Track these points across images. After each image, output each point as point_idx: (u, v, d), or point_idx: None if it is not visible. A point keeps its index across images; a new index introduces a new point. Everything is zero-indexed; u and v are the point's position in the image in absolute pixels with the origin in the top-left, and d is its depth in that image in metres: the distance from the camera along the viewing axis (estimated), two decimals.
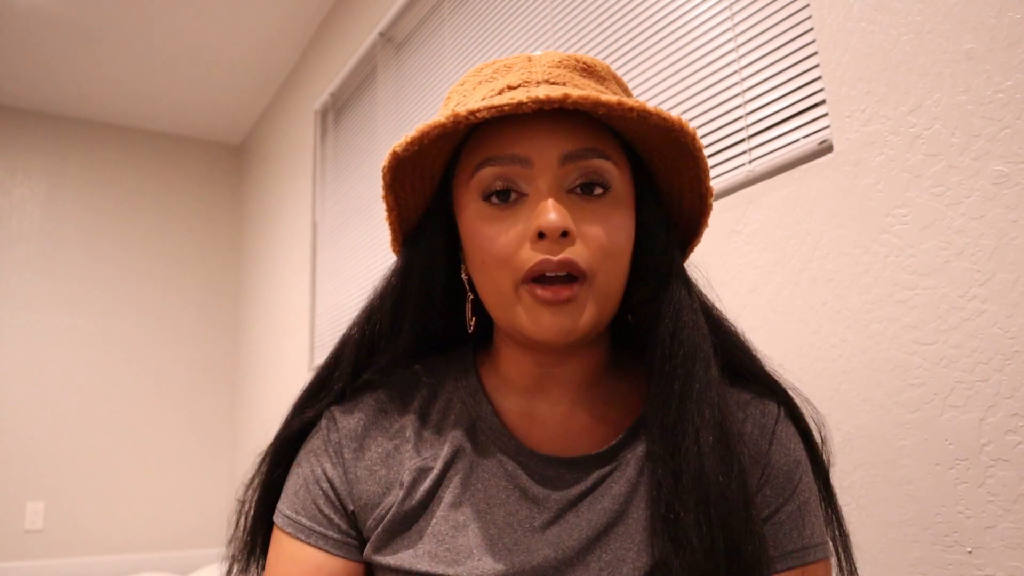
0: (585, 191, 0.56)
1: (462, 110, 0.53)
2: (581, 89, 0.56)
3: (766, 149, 1.20)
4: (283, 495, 0.64)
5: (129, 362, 3.70)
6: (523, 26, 1.88)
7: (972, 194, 0.89)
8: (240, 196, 4.19)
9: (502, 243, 0.56)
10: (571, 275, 0.55)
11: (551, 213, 0.53)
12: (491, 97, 0.56)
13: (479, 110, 0.52)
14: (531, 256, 0.54)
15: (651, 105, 0.55)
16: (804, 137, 1.14)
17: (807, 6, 1.15)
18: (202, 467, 3.73)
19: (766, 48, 1.22)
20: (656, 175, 0.63)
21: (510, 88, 0.57)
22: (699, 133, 1.33)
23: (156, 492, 3.58)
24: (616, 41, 1.55)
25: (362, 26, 2.76)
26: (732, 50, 1.28)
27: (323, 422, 0.65)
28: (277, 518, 0.63)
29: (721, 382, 0.57)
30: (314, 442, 0.64)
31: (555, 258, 0.54)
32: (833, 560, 0.63)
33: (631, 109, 0.53)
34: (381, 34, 2.62)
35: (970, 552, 0.85)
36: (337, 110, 3.07)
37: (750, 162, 1.23)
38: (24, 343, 3.50)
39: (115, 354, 3.68)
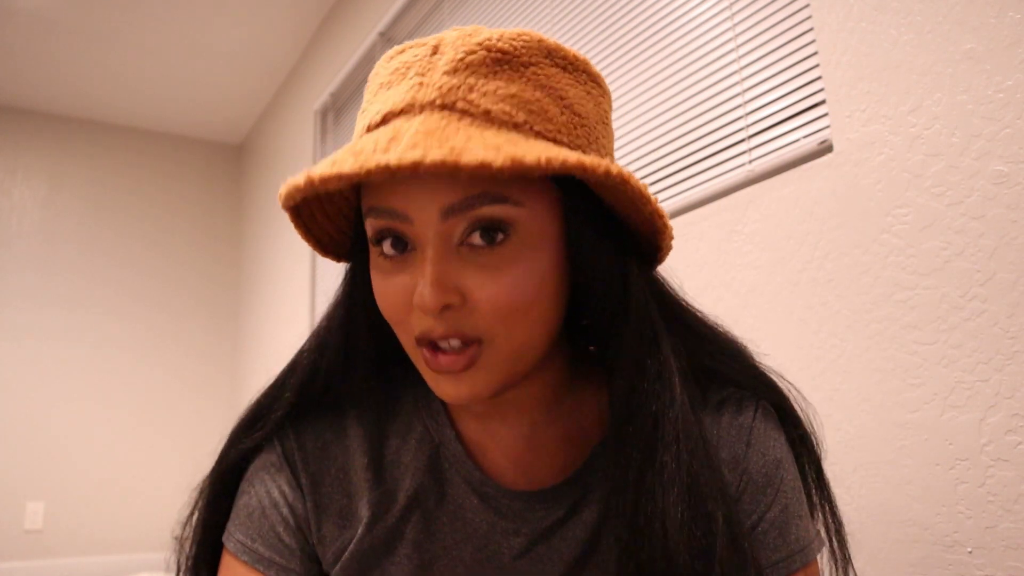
0: (484, 237, 0.48)
1: (317, 173, 0.45)
2: (475, 107, 0.48)
3: (766, 149, 1.21)
4: (235, 515, 0.58)
5: (129, 362, 3.70)
6: (523, 26, 1.88)
7: (972, 194, 0.89)
8: (240, 196, 4.19)
9: (392, 303, 0.51)
10: (464, 341, 0.49)
11: (427, 289, 0.47)
12: (373, 128, 0.50)
13: (329, 179, 0.44)
14: (418, 322, 0.49)
15: (550, 157, 0.44)
16: (804, 137, 1.14)
17: (807, 6, 1.15)
18: (202, 467, 3.72)
19: (766, 48, 1.22)
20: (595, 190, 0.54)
21: (393, 115, 0.49)
22: (699, 133, 1.33)
23: (156, 492, 3.58)
24: (616, 41, 1.55)
25: (362, 26, 2.76)
26: (732, 50, 1.28)
27: (276, 440, 0.60)
28: (228, 542, 0.57)
29: (698, 423, 0.52)
30: (269, 459, 0.59)
31: (437, 331, 0.48)
32: (826, 550, 0.61)
33: (500, 169, 0.42)
34: (381, 34, 2.62)
35: (970, 552, 0.85)
36: (337, 110, 3.07)
37: (750, 162, 1.23)
38: (24, 343, 3.50)
39: (115, 354, 3.68)
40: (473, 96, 0.49)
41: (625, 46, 1.52)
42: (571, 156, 0.45)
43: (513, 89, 0.49)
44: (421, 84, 0.50)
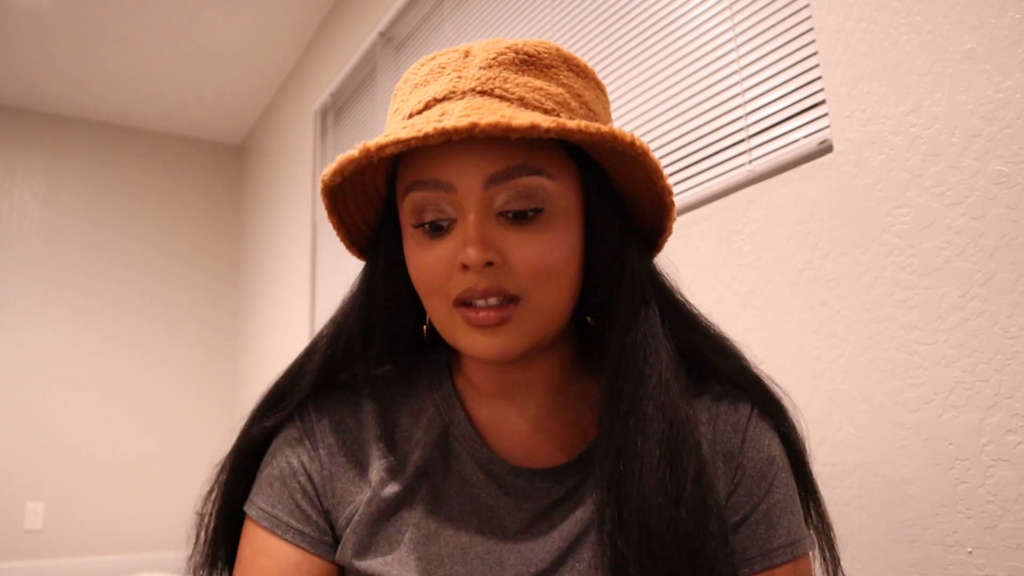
0: (516, 215, 0.54)
1: (372, 143, 0.51)
2: (511, 94, 0.54)
3: (766, 149, 1.21)
4: (256, 486, 0.62)
5: (130, 363, 3.70)
6: (523, 26, 1.88)
7: (972, 194, 0.89)
8: (240, 196, 4.19)
9: (432, 271, 0.55)
10: (503, 299, 0.54)
11: (472, 247, 0.52)
12: (415, 114, 0.55)
13: (387, 145, 0.50)
14: (459, 284, 0.54)
15: (587, 124, 0.51)
16: (804, 137, 1.14)
17: (807, 6, 1.15)
18: (202, 468, 3.72)
19: (766, 48, 1.22)
20: (610, 173, 0.60)
21: (436, 101, 0.55)
22: (699, 133, 1.33)
23: (156, 492, 3.58)
24: (616, 41, 1.55)
25: (362, 26, 2.76)
26: (732, 50, 1.28)
27: (297, 417, 0.63)
28: (251, 510, 0.61)
29: (682, 392, 0.55)
30: (290, 433, 0.63)
31: (480, 287, 0.53)
32: (816, 552, 0.62)
33: (547, 130, 0.49)
34: (381, 34, 2.62)
35: (970, 552, 0.85)
36: (337, 110, 3.07)
37: (750, 162, 1.23)
38: (24, 343, 3.50)
39: (115, 355, 3.68)
40: (508, 86, 0.55)
41: (625, 46, 1.52)
42: (604, 127, 0.51)
43: (540, 84, 0.56)
44: (459, 77, 0.56)
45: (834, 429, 1.01)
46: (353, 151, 0.52)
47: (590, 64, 1.60)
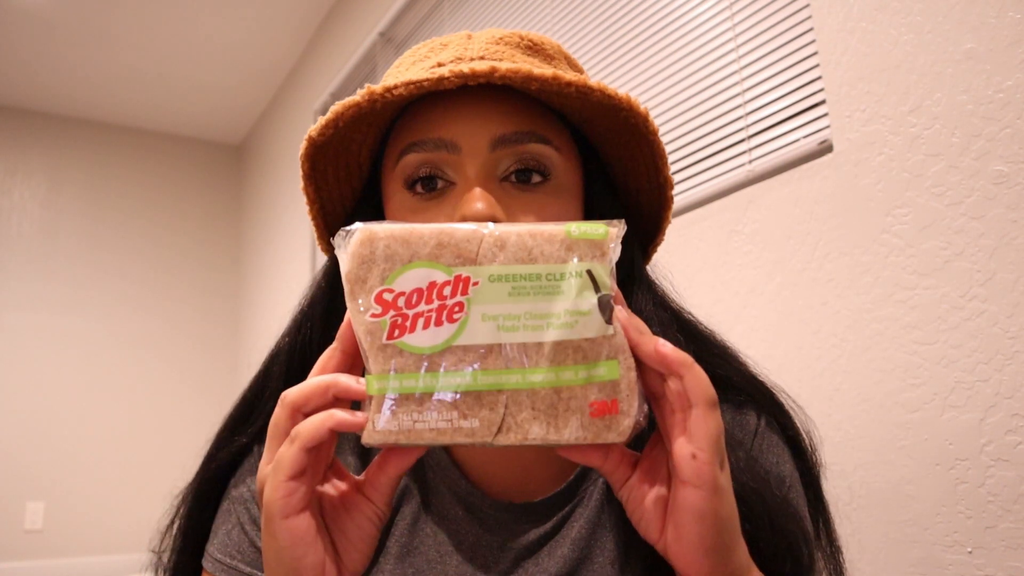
0: (521, 179, 0.49)
1: (379, 87, 0.46)
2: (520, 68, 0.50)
3: (766, 149, 1.21)
4: (213, 535, 0.55)
5: (130, 362, 3.70)
6: (523, 26, 1.88)
7: (972, 194, 0.89)
8: (240, 196, 4.19)
9: None
10: None
11: (477, 202, 0.46)
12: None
13: (396, 86, 0.45)
14: None
15: (604, 84, 0.49)
16: (804, 137, 1.14)
17: (807, 6, 1.15)
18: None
19: (766, 48, 1.22)
20: (611, 166, 0.56)
21: (440, 66, 0.50)
22: (699, 133, 1.33)
23: (157, 492, 3.57)
24: (616, 41, 1.55)
25: (362, 26, 2.76)
26: (732, 50, 1.28)
27: (257, 452, 0.57)
28: (207, 563, 0.54)
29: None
30: (248, 477, 0.56)
31: None
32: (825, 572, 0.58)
33: (568, 84, 0.46)
34: (381, 34, 2.62)
35: (970, 552, 0.85)
36: None
37: (750, 162, 1.23)
38: (24, 343, 3.50)
39: (115, 354, 3.68)
40: (518, 60, 0.51)
41: (625, 46, 1.52)
42: (621, 92, 0.48)
43: (548, 68, 0.52)
44: (467, 48, 0.52)
45: (834, 429, 1.01)
46: (354, 96, 0.47)
47: (591, 63, 1.61)
